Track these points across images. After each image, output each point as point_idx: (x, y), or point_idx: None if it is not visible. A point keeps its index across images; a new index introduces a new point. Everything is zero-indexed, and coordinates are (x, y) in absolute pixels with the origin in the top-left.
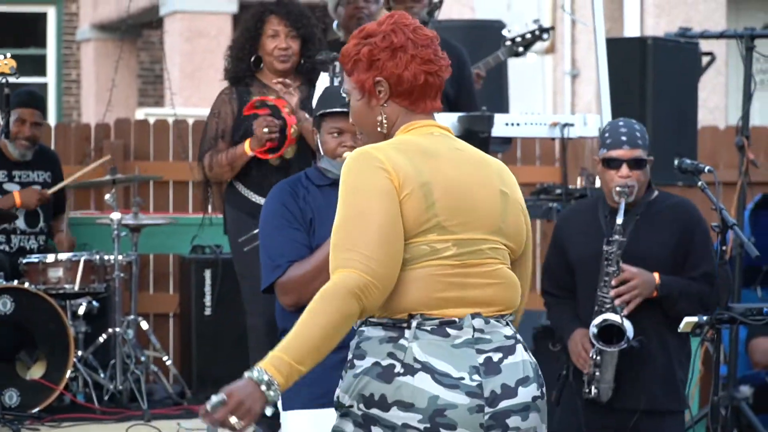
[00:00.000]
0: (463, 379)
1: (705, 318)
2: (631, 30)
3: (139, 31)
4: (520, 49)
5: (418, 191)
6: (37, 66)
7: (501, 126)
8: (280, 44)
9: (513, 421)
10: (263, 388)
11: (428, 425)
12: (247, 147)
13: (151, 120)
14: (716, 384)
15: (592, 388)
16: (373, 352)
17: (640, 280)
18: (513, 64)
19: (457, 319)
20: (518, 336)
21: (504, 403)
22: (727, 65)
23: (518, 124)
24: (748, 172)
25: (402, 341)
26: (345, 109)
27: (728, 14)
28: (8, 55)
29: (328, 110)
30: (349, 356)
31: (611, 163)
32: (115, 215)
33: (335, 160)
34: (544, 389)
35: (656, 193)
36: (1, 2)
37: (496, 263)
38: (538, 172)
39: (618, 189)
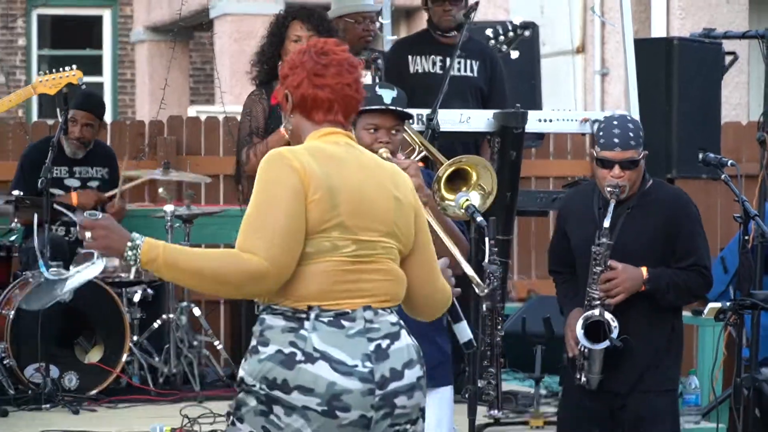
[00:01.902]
0: (356, 366)
1: (728, 304)
2: (657, 31)
3: (190, 33)
4: (504, 47)
5: (326, 194)
6: (94, 66)
7: (534, 122)
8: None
9: (400, 401)
10: (129, 244)
11: (326, 408)
12: (283, 129)
13: (203, 117)
14: (739, 366)
15: (582, 376)
16: (276, 341)
17: (625, 277)
18: (545, 63)
19: (350, 311)
20: (401, 322)
21: (392, 385)
22: (749, 64)
23: (550, 120)
24: None
25: (302, 332)
26: (381, 107)
27: (750, 16)
28: (74, 66)
29: (365, 108)
30: (253, 342)
31: (604, 163)
32: (169, 207)
33: None
34: (425, 369)
35: (650, 183)
36: (60, 6)
37: (387, 261)
38: (569, 166)
39: (609, 189)
